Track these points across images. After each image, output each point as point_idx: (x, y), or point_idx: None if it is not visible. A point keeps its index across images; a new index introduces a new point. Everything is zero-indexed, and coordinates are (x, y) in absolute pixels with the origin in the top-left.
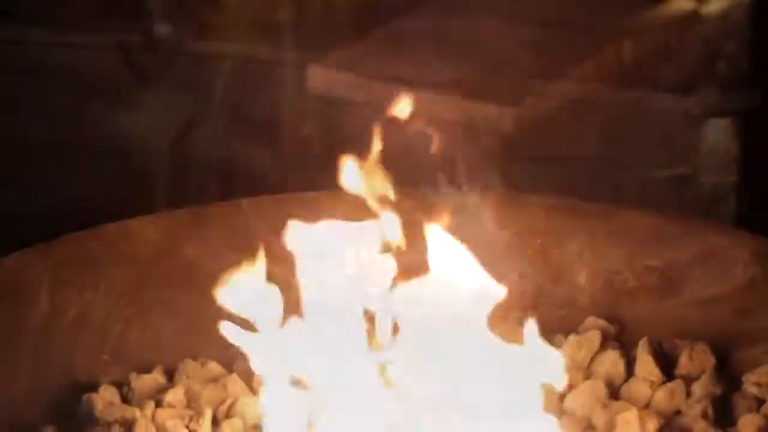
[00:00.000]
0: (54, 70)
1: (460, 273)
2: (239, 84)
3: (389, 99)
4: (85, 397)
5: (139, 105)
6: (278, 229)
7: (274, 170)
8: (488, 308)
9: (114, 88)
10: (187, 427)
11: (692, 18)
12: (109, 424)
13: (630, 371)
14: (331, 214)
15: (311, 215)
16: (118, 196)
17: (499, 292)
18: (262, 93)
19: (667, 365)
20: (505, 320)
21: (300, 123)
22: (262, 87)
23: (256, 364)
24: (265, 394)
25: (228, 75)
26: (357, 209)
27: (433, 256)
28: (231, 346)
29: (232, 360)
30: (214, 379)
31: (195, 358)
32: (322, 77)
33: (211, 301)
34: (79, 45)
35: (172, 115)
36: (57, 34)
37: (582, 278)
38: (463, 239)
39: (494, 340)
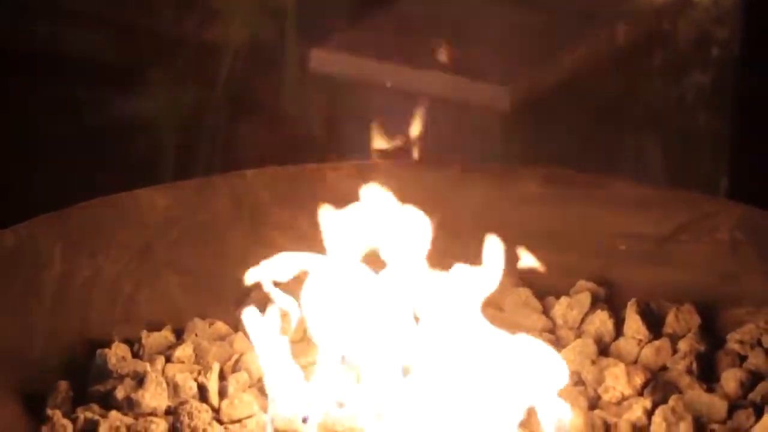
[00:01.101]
0: (62, 56)
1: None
2: (243, 68)
3: (390, 79)
4: (98, 352)
5: (146, 89)
6: (281, 197)
7: (276, 149)
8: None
9: (121, 73)
10: (196, 380)
11: (685, 2)
12: (121, 377)
13: (619, 331)
14: (333, 185)
15: (313, 185)
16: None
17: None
18: (266, 76)
19: (654, 325)
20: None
21: (302, 103)
22: (265, 70)
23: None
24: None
25: (232, 59)
26: (357, 180)
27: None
28: (237, 307)
29: (238, 320)
30: (221, 338)
31: (203, 318)
32: (325, 60)
33: (218, 264)
34: (87, 31)
35: (178, 98)
36: (65, 20)
37: (574, 245)
38: (459, 210)
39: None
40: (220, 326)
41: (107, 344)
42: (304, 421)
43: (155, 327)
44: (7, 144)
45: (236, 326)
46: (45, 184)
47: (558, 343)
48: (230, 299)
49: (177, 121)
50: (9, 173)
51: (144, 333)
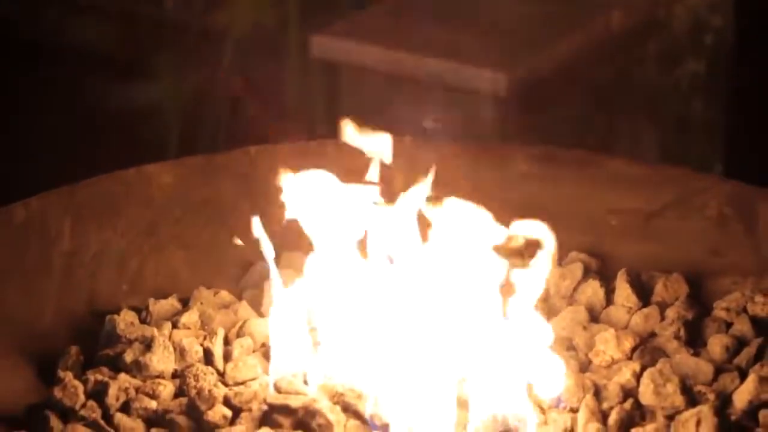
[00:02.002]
0: (69, 44)
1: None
2: (246, 53)
3: (390, 65)
4: (107, 317)
5: (151, 74)
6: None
7: (279, 128)
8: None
9: (129, 58)
10: (201, 345)
11: None
12: (129, 342)
13: (609, 300)
14: (335, 161)
15: (316, 161)
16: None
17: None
18: (268, 61)
19: (643, 294)
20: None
21: (304, 88)
22: (267, 55)
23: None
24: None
25: (235, 44)
26: (356, 157)
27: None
28: (241, 277)
29: (243, 289)
30: (226, 306)
31: (208, 288)
32: (326, 45)
33: (222, 239)
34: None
35: (182, 83)
36: (71, 9)
37: (567, 219)
38: (457, 187)
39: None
40: (225, 295)
41: (116, 313)
42: None
43: (161, 298)
44: (20, 125)
45: (240, 296)
46: (55, 161)
47: (551, 312)
48: (233, 272)
49: (182, 102)
50: (20, 151)
51: (151, 300)
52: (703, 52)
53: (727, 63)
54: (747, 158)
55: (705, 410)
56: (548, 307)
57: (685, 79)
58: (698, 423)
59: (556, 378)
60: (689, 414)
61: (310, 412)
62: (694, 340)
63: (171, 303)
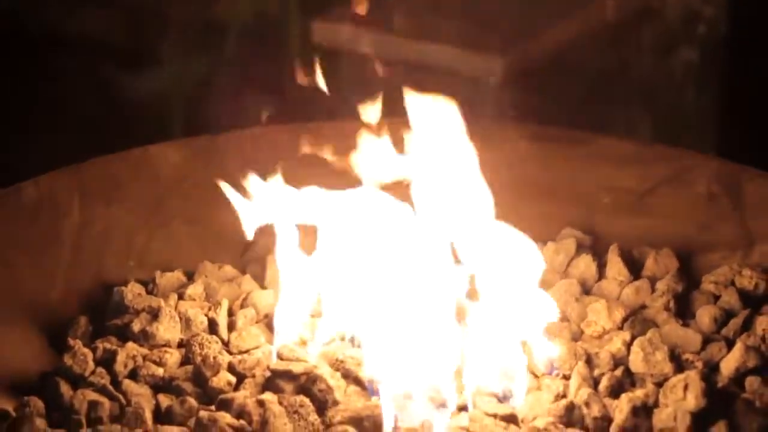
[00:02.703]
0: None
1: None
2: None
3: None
4: (115, 289)
5: (156, 61)
6: (283, 153)
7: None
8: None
9: (133, 47)
10: (206, 315)
11: None
12: (137, 312)
13: (602, 274)
14: (332, 141)
15: (314, 141)
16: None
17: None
18: (270, 47)
19: (634, 269)
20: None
21: (305, 74)
22: (270, 42)
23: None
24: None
25: (237, 32)
26: (355, 138)
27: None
28: (245, 253)
29: (246, 264)
30: (230, 279)
31: (213, 262)
32: (326, 31)
33: (226, 215)
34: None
35: (186, 68)
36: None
37: (561, 196)
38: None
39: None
40: (229, 269)
41: (123, 285)
42: None
43: (167, 272)
44: (33, 107)
45: (243, 270)
46: (65, 140)
47: (545, 285)
48: (237, 248)
49: (188, 85)
50: (31, 132)
51: (157, 273)
52: (695, 38)
53: (717, 48)
54: (734, 138)
55: (692, 376)
56: (542, 280)
57: (677, 64)
58: (686, 388)
59: (550, 347)
60: (677, 379)
61: (312, 378)
62: (683, 312)
63: (177, 276)
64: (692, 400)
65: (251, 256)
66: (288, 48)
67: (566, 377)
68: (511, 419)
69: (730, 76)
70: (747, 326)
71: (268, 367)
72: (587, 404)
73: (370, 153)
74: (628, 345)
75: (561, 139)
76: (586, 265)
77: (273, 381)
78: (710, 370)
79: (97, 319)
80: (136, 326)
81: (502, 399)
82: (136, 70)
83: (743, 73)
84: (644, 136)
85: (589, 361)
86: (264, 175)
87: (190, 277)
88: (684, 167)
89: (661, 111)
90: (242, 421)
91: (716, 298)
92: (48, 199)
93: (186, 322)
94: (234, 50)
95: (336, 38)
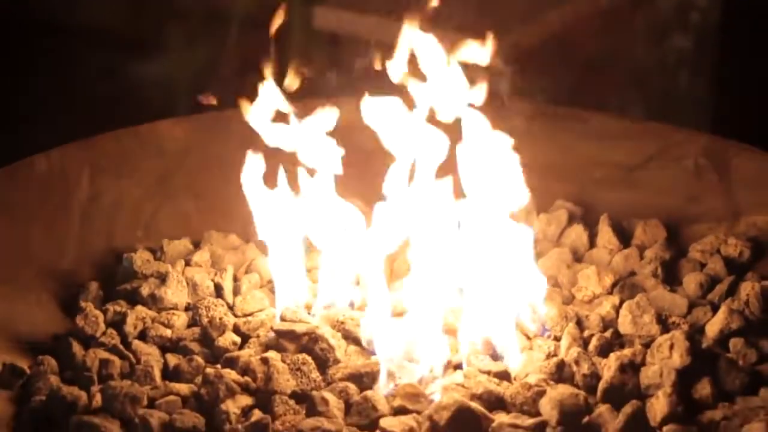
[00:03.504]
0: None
1: None
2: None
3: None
4: (124, 255)
5: (163, 43)
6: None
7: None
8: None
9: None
10: (212, 280)
11: None
12: (145, 277)
13: (592, 244)
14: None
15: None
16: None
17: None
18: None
19: (624, 239)
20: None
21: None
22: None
23: None
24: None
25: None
26: (356, 113)
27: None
28: (249, 223)
29: (250, 234)
30: (235, 248)
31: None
32: (328, 17)
33: (230, 188)
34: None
35: (190, 58)
36: None
37: (554, 171)
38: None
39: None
40: (234, 238)
41: (132, 253)
42: None
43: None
44: (47, 86)
45: (248, 239)
46: (75, 116)
47: (538, 254)
48: (241, 219)
49: (192, 66)
50: (42, 108)
51: (165, 241)
52: (685, 22)
53: (707, 32)
54: (721, 113)
55: (678, 335)
56: (536, 250)
57: (668, 46)
58: (671, 347)
59: (541, 310)
60: (663, 339)
61: (314, 338)
62: (671, 279)
63: (184, 243)
64: (677, 359)
65: (255, 227)
66: (288, 30)
67: (557, 338)
68: (503, 376)
69: (717, 58)
70: (732, 292)
71: (271, 328)
72: (577, 362)
73: (367, 126)
74: (617, 309)
75: (555, 117)
76: (577, 234)
77: (276, 341)
78: (695, 332)
79: (107, 286)
80: (145, 290)
81: (496, 358)
82: (145, 52)
83: (730, 54)
84: (636, 114)
85: (580, 323)
86: (265, 150)
87: (197, 246)
88: (673, 143)
89: (652, 91)
90: (247, 378)
91: (702, 265)
92: (59, 171)
93: (193, 286)
94: (236, 32)
95: (334, 23)
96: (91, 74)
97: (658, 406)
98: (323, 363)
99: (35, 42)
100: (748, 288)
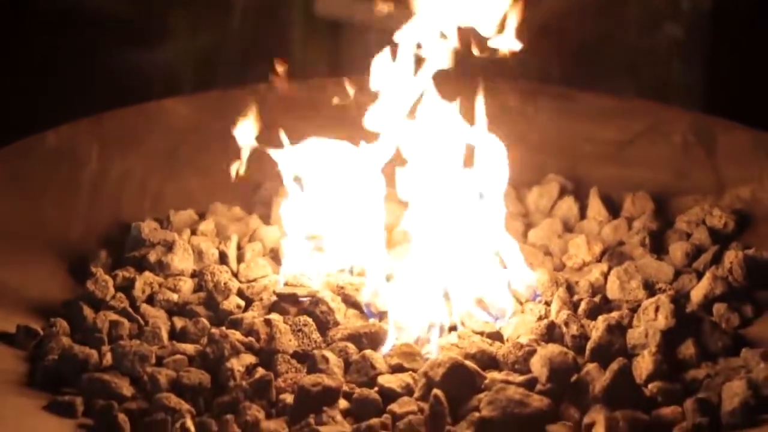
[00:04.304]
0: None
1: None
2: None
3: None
4: (133, 224)
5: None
6: (289, 107)
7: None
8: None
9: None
10: (217, 248)
11: None
12: (153, 245)
13: (583, 216)
14: (332, 96)
15: (315, 97)
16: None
17: None
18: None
19: (613, 211)
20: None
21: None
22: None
23: None
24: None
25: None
26: (356, 92)
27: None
28: (252, 197)
29: (253, 206)
30: (238, 219)
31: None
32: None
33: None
34: None
35: (194, 44)
36: None
37: (546, 146)
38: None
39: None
40: (238, 210)
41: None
42: None
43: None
44: (60, 66)
45: (251, 212)
46: (85, 94)
47: (531, 225)
48: (244, 193)
49: (197, 49)
50: (52, 87)
51: (171, 211)
52: (675, 7)
53: (696, 15)
54: (708, 91)
55: (663, 299)
56: (528, 221)
57: (659, 29)
58: (657, 309)
59: (532, 276)
60: (649, 302)
61: (314, 301)
62: (658, 248)
63: (189, 214)
64: (662, 320)
65: (258, 200)
66: (291, 11)
67: (548, 303)
68: (496, 337)
69: (706, 40)
70: (716, 260)
71: (274, 292)
72: (566, 324)
73: (366, 106)
74: (606, 275)
75: (547, 94)
76: (568, 206)
77: (279, 304)
78: (681, 297)
79: (115, 256)
80: (153, 257)
81: (489, 321)
82: (154, 37)
83: (718, 34)
84: (626, 92)
85: (570, 289)
86: (269, 127)
87: (202, 217)
88: (661, 120)
89: (644, 73)
90: (251, 338)
91: (688, 236)
92: (68, 147)
93: (198, 254)
94: (241, 14)
95: (338, 12)
96: (104, 61)
97: (644, 364)
98: (323, 325)
99: (52, 32)
100: (731, 256)
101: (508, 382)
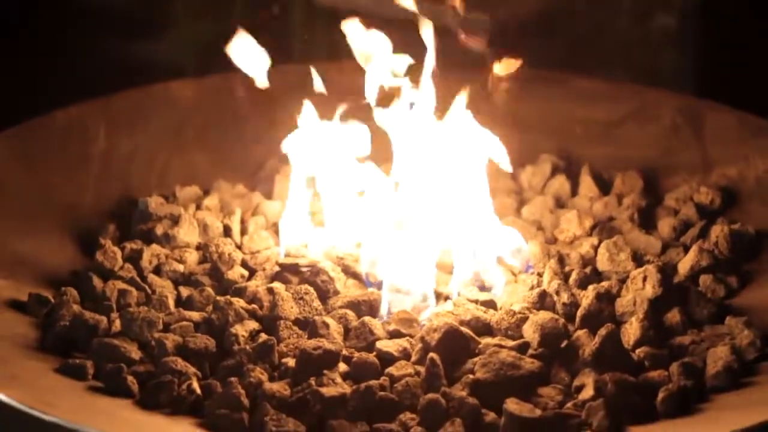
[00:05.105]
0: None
1: None
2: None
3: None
4: (140, 199)
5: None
6: (290, 88)
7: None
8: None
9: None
10: (222, 222)
11: None
12: (160, 218)
13: (574, 194)
14: (335, 80)
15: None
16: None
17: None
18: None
19: (604, 189)
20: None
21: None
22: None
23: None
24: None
25: None
26: (356, 76)
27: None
28: (256, 174)
29: (256, 184)
30: (242, 196)
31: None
32: None
33: (237, 143)
34: None
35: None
36: None
37: (539, 128)
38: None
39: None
40: (241, 187)
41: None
42: None
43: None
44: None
45: (254, 189)
46: (93, 75)
47: (523, 202)
48: (247, 172)
49: (201, 35)
50: (62, 69)
51: (177, 186)
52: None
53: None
54: (696, 73)
55: (650, 269)
56: (521, 198)
57: (648, 15)
58: (645, 279)
59: (525, 249)
60: (637, 272)
61: (315, 271)
62: (647, 224)
63: (194, 190)
64: (650, 289)
65: (261, 177)
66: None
67: (540, 275)
68: (490, 305)
69: (696, 25)
70: (703, 235)
71: (276, 262)
72: (557, 292)
73: (363, 89)
74: (596, 248)
75: (539, 78)
76: (560, 183)
77: (281, 274)
78: (668, 268)
79: (123, 229)
80: (159, 230)
81: (483, 290)
82: (158, 24)
83: (706, 18)
84: (616, 75)
85: (561, 261)
86: (271, 108)
87: (207, 193)
88: (650, 102)
89: (635, 57)
90: (254, 305)
91: (676, 212)
92: (77, 125)
93: (203, 227)
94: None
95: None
96: (112, 49)
97: (632, 331)
98: (324, 294)
99: (64, 22)
100: (717, 230)
101: (501, 346)
